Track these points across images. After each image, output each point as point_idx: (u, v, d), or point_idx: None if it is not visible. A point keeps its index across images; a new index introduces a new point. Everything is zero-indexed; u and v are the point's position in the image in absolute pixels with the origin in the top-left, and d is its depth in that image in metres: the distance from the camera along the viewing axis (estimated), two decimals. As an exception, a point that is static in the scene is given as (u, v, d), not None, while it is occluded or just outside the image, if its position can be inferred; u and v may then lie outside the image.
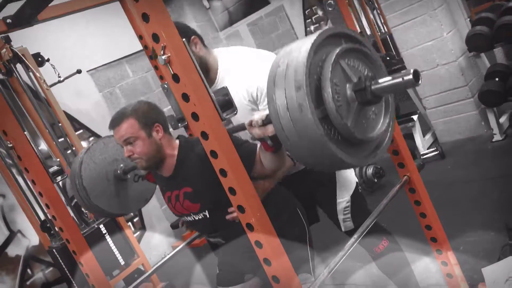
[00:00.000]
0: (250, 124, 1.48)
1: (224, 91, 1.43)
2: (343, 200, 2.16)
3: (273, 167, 1.70)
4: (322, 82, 1.21)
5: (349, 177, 2.20)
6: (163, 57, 1.26)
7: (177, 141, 1.91)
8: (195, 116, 1.30)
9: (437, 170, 4.02)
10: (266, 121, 1.42)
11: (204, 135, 1.31)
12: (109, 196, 2.24)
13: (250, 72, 1.94)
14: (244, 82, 1.94)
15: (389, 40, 6.37)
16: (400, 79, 1.21)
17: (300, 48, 1.22)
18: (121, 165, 2.27)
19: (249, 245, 1.47)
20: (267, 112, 1.41)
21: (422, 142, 4.41)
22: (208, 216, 1.86)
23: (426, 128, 4.65)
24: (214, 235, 1.96)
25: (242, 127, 1.52)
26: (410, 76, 1.19)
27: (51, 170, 2.05)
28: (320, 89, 1.21)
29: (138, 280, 2.45)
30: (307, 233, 1.96)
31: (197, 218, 1.89)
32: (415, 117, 4.43)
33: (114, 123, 1.83)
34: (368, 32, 5.17)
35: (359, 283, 2.05)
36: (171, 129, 1.94)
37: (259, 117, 1.45)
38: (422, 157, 4.23)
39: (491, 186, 3.29)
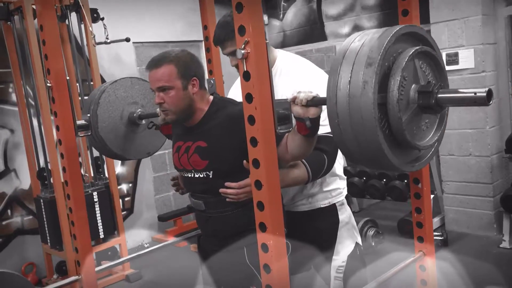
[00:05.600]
0: (294, 100, 1.44)
1: (286, 105, 1.39)
2: (339, 258, 2.06)
3: (296, 154, 1.64)
4: (393, 69, 1.22)
5: (352, 236, 2.12)
6: (243, 51, 1.22)
7: (211, 97, 1.86)
8: (251, 119, 1.26)
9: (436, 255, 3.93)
10: (311, 103, 1.41)
11: (254, 141, 1.26)
12: (115, 133, 2.22)
13: (305, 78, 1.93)
14: (294, 84, 1.90)
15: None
16: (472, 94, 1.20)
17: (382, 32, 1.24)
18: (139, 110, 2.26)
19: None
20: (313, 94, 1.41)
21: (429, 223, 4.33)
22: (211, 177, 1.78)
23: (437, 210, 4.58)
24: (202, 196, 1.86)
25: (289, 102, 1.47)
26: (484, 94, 1.17)
27: (78, 122, 2.01)
28: (388, 77, 1.21)
29: (113, 263, 2.37)
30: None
31: (197, 175, 1.81)
32: (430, 196, 4.36)
33: (153, 64, 1.75)
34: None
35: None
36: None
37: (305, 96, 1.42)
38: (424, 237, 4.16)
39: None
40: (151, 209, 5.10)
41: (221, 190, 1.74)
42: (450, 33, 4.10)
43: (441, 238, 4.07)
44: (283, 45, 5.92)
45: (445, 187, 4.40)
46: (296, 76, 1.96)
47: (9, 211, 4.08)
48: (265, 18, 4.89)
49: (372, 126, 1.18)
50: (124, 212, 4.84)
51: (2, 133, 4.04)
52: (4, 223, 4.05)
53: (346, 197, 2.16)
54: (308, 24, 5.71)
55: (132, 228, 4.88)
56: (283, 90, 1.97)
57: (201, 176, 1.81)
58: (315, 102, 1.41)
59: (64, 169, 2.01)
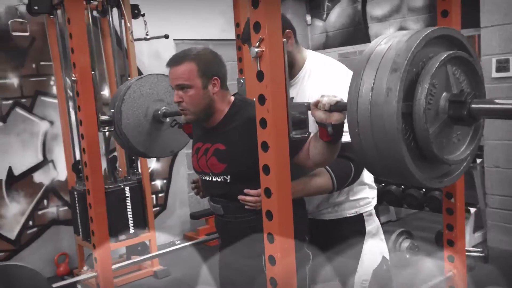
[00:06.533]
0: (316, 105, 1.36)
1: (302, 108, 1.31)
2: (363, 271, 1.95)
3: (318, 161, 1.56)
4: (421, 76, 1.12)
5: (379, 249, 2.01)
6: (256, 49, 1.15)
7: (232, 98, 1.80)
8: (263, 122, 1.18)
9: (475, 272, 3.72)
10: (334, 108, 1.33)
11: (265, 146, 1.19)
12: (139, 130, 2.22)
13: (333, 81, 1.83)
14: (322, 87, 1.81)
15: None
16: (510, 106, 1.08)
17: (410, 34, 1.14)
18: (164, 107, 2.25)
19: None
20: (337, 98, 1.34)
21: (469, 238, 4.11)
22: (228, 181, 1.72)
23: (479, 225, 4.34)
24: (220, 201, 1.80)
25: (306, 106, 1.40)
26: None
27: (102, 117, 1.99)
28: (415, 84, 1.11)
29: (140, 258, 2.38)
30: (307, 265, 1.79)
31: (215, 179, 1.76)
32: (472, 209, 4.15)
33: (173, 62, 1.71)
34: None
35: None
36: None
37: (328, 101, 1.34)
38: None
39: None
40: (184, 206, 5.10)
41: (240, 197, 1.68)
42: (502, 38, 3.86)
43: (481, 254, 3.85)
44: (325, 46, 5.79)
45: (488, 200, 4.16)
46: (324, 78, 1.86)
47: (45, 201, 4.17)
48: (308, 18, 4.80)
49: (395, 138, 1.08)
50: (157, 208, 4.86)
51: (42, 125, 4.13)
52: (40, 212, 4.14)
53: (376, 207, 2.05)
54: (351, 25, 5.56)
55: (164, 224, 4.90)
56: (310, 93, 1.88)
57: (219, 180, 1.75)
58: (339, 107, 1.32)
59: (85, 164, 2.00)
